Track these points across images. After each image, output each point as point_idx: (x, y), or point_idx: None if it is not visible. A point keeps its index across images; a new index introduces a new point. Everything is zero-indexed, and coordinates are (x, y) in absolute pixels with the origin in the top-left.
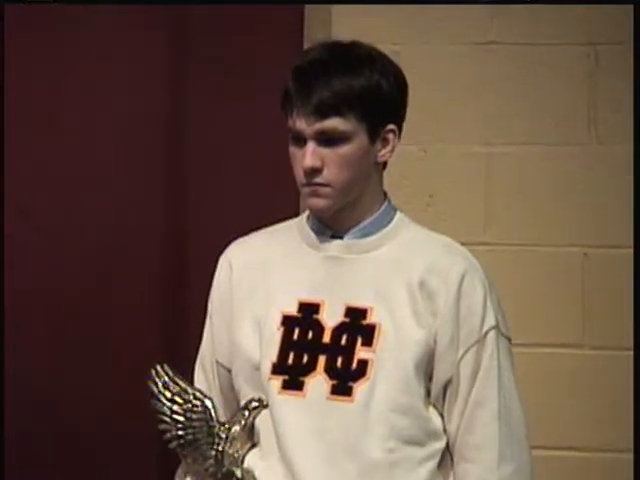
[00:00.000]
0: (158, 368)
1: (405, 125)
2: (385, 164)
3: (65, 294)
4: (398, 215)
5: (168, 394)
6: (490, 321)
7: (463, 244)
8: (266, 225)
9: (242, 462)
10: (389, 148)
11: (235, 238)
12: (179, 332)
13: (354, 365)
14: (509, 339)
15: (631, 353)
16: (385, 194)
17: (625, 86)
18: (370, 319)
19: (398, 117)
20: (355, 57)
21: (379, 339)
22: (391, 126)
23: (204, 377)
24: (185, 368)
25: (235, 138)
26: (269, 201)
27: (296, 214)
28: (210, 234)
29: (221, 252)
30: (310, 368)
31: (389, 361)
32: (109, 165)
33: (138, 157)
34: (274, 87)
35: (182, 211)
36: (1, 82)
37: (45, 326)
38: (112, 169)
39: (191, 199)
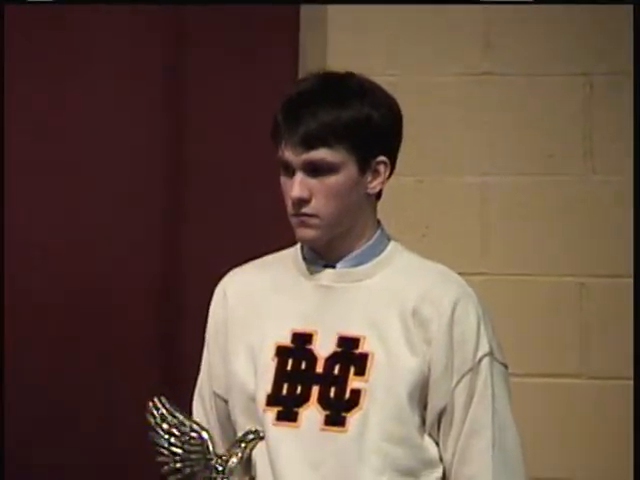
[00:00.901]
0: (155, 400)
1: (401, 156)
2: (380, 194)
3: (64, 319)
4: (392, 244)
5: (165, 426)
6: (484, 348)
7: (460, 274)
8: (267, 252)
9: None
10: (380, 179)
11: (232, 267)
12: (176, 361)
13: (347, 395)
14: (505, 366)
15: (631, 382)
16: (379, 223)
17: (621, 116)
18: (362, 348)
19: (390, 149)
20: (346, 88)
21: (372, 368)
22: (382, 157)
23: (202, 408)
24: (183, 400)
25: (235, 153)
26: (269, 224)
27: (294, 243)
28: (208, 262)
29: (218, 281)
30: (304, 399)
31: (382, 390)
32: (109, 174)
33: (138, 173)
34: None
35: (179, 236)
36: (1, 82)
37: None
38: (112, 178)
39: (190, 225)
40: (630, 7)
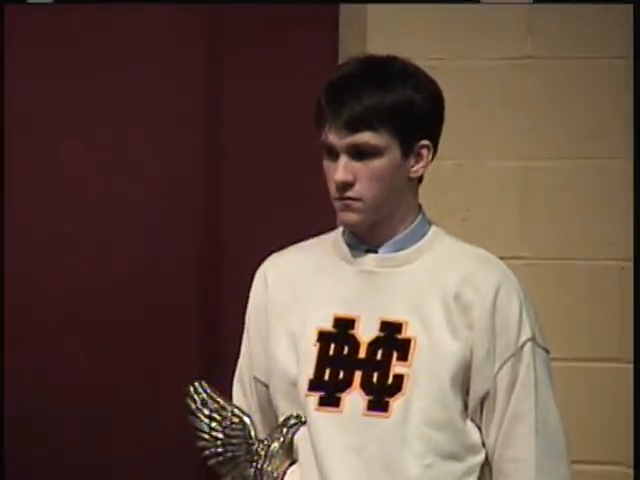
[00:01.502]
0: (196, 385)
1: (441, 140)
2: (421, 179)
3: (103, 311)
4: (433, 228)
5: (206, 411)
6: (526, 333)
7: (499, 258)
8: (306, 237)
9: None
10: (423, 163)
11: (272, 252)
12: (217, 347)
13: (390, 380)
14: (547, 351)
15: None
16: (420, 208)
17: None
18: (405, 333)
19: (433, 132)
20: (388, 72)
21: (414, 353)
22: (425, 141)
23: (242, 393)
24: (222, 384)
25: (274, 145)
26: (309, 211)
27: (334, 226)
28: (247, 248)
29: (258, 266)
30: (346, 384)
31: (425, 375)
32: (139, 171)
33: (173, 170)
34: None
35: (219, 222)
36: (1, 83)
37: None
38: (144, 175)
39: (229, 212)
40: (630, 7)
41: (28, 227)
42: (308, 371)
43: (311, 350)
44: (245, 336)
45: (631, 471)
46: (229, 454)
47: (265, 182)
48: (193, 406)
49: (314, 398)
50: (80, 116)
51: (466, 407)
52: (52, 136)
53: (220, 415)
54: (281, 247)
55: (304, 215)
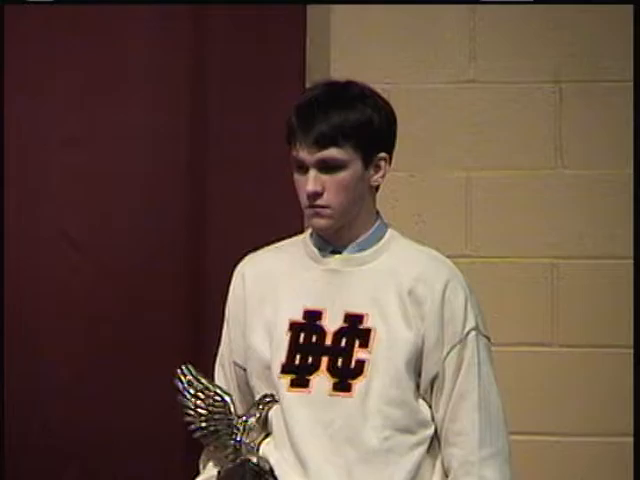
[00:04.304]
0: (183, 367)
1: (395, 153)
2: (378, 187)
3: (97, 307)
4: (389, 231)
5: (192, 390)
6: (470, 323)
7: (447, 256)
8: (277, 240)
9: (258, 450)
10: (381, 173)
11: (248, 252)
12: (201, 335)
13: (352, 365)
14: (488, 338)
15: (597, 350)
16: (378, 213)
17: (588, 116)
18: (366, 324)
19: (388, 146)
20: (350, 94)
21: (374, 341)
22: (382, 154)
23: (223, 375)
24: (205, 367)
25: (251, 150)
26: (278, 217)
27: (301, 230)
28: (227, 247)
29: (236, 264)
30: (314, 368)
31: (383, 360)
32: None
33: (160, 173)
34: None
35: (203, 225)
36: (1, 82)
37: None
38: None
39: (211, 215)
40: (630, 7)
41: (25, 222)
42: (281, 356)
43: (283, 338)
44: (225, 326)
45: (561, 439)
46: (212, 428)
47: (243, 191)
48: (180, 386)
49: (286, 380)
50: (80, 116)
51: (418, 387)
52: (51, 136)
53: (204, 394)
54: (256, 248)
55: (275, 219)
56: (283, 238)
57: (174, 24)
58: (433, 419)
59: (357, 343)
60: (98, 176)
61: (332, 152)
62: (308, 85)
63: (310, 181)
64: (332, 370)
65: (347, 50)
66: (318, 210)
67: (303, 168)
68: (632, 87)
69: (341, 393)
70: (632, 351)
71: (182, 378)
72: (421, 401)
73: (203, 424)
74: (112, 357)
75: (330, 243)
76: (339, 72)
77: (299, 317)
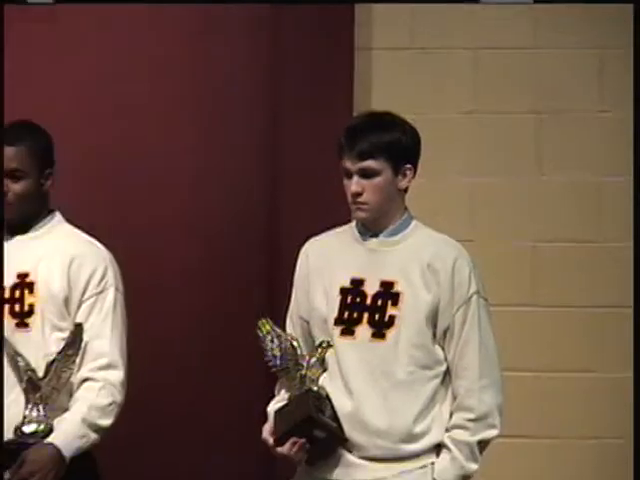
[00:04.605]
0: (262, 321)
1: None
2: (406, 189)
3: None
4: (414, 222)
5: (269, 338)
6: (473, 288)
7: (457, 240)
8: (333, 226)
9: (317, 381)
10: (407, 180)
11: (311, 236)
12: (275, 297)
13: (386, 319)
14: (486, 300)
15: (570, 309)
16: (406, 208)
17: (565, 133)
18: (396, 289)
19: (413, 159)
20: (384, 121)
21: (402, 302)
22: (408, 165)
23: (292, 326)
24: (280, 321)
25: (315, 160)
26: (335, 210)
27: (349, 220)
28: (297, 234)
29: (301, 246)
30: (358, 321)
31: (409, 316)
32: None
33: (233, 163)
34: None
35: (279, 210)
36: (1, 82)
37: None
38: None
39: (287, 203)
40: (630, 7)
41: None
42: (334, 313)
43: (336, 299)
44: (293, 291)
45: (542, 374)
46: (284, 365)
47: (312, 189)
48: (261, 334)
49: (337, 330)
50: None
51: (434, 335)
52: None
53: (278, 340)
54: (318, 233)
55: (332, 212)
56: (338, 225)
57: (255, 44)
58: (445, 359)
59: (389, 303)
60: (185, 169)
61: (369, 163)
62: (355, 114)
63: (353, 184)
64: (371, 323)
65: (385, 88)
66: (359, 206)
67: (349, 175)
68: (632, 84)
69: (378, 339)
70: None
71: (262, 329)
72: (437, 346)
73: (278, 362)
74: (203, 316)
75: (369, 230)
76: (378, 105)
77: (347, 284)
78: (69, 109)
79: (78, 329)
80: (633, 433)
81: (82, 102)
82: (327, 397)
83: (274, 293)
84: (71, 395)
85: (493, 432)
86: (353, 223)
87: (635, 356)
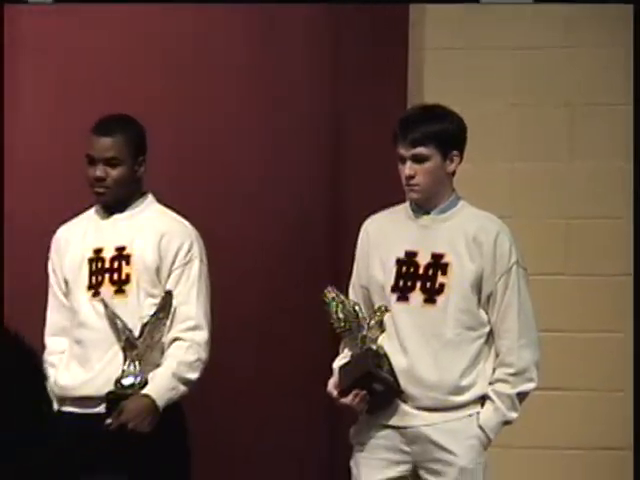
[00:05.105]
0: (329, 288)
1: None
2: (454, 173)
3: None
4: (461, 202)
5: (334, 303)
6: (513, 259)
7: (499, 217)
8: (391, 205)
9: (376, 341)
10: (454, 164)
11: (371, 214)
12: (340, 266)
13: (437, 286)
14: (525, 269)
15: (598, 278)
16: (454, 189)
17: (596, 131)
18: (445, 259)
19: (460, 146)
20: (433, 113)
21: (451, 271)
22: (455, 152)
23: (354, 293)
24: (343, 289)
25: (375, 147)
26: (393, 190)
27: (404, 200)
28: (357, 216)
29: (362, 222)
30: (412, 288)
31: (456, 284)
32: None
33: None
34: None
35: (345, 191)
36: (1, 82)
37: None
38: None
39: (350, 192)
40: (630, 7)
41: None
42: (391, 281)
43: (392, 269)
44: (355, 263)
45: (577, 335)
46: (347, 327)
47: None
48: (327, 300)
49: (394, 296)
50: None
51: (479, 301)
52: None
53: (342, 305)
54: (378, 211)
55: (391, 193)
56: (396, 204)
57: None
58: (488, 322)
59: (439, 272)
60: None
61: (420, 150)
62: (408, 107)
63: (407, 169)
64: (423, 290)
65: (435, 84)
66: (412, 187)
67: (403, 160)
68: (632, 86)
69: (429, 305)
70: None
71: (328, 295)
72: (481, 310)
73: (342, 324)
74: (279, 283)
75: (421, 208)
76: (430, 99)
77: (402, 255)
78: (161, 106)
79: (168, 296)
80: None
81: (175, 99)
82: (385, 355)
83: (338, 263)
84: (162, 353)
85: (531, 385)
86: (407, 203)
87: None
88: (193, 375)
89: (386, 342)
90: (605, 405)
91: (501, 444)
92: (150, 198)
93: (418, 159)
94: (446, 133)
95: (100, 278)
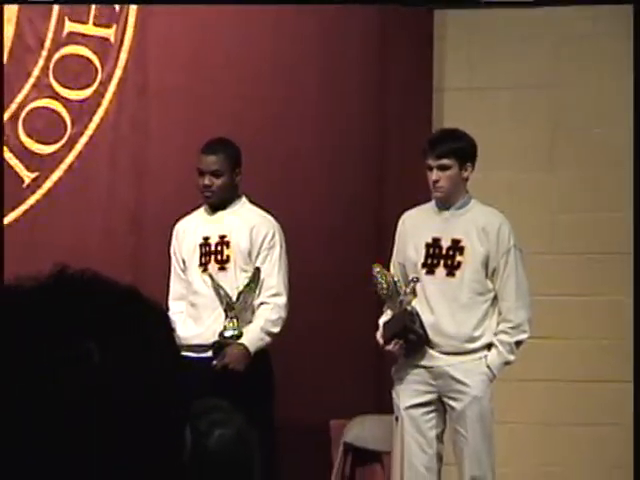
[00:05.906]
0: (374, 265)
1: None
2: (467, 179)
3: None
4: (473, 200)
5: (379, 276)
6: (512, 243)
7: (500, 212)
8: (424, 202)
9: (410, 304)
10: (468, 172)
11: (407, 209)
12: (383, 244)
13: (455, 263)
14: (521, 250)
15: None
16: (467, 191)
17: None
18: (462, 244)
19: (472, 160)
20: (453, 135)
21: (466, 252)
22: (468, 163)
23: (394, 268)
24: (385, 264)
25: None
26: (424, 192)
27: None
28: (396, 210)
29: (400, 215)
30: (437, 264)
31: (470, 261)
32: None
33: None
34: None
35: (386, 188)
36: (1, 83)
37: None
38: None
39: (389, 190)
40: (630, 7)
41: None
42: (421, 259)
43: (421, 251)
44: (395, 246)
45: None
46: (389, 293)
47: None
48: (373, 274)
49: (423, 271)
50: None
51: (487, 274)
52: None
53: (384, 277)
54: (412, 207)
55: (422, 194)
56: (425, 202)
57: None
58: (494, 289)
59: (457, 253)
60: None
61: (444, 161)
62: (433, 131)
63: (434, 175)
64: (445, 266)
65: (453, 112)
66: (437, 189)
67: (430, 169)
68: (632, 88)
69: (450, 277)
70: None
71: (375, 269)
72: (488, 280)
73: (384, 292)
74: (325, 264)
75: (443, 205)
76: (449, 124)
77: (430, 240)
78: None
79: (257, 271)
80: None
81: (262, 118)
82: (417, 314)
83: (381, 243)
84: (253, 313)
85: (525, 335)
86: (432, 201)
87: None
88: (275, 329)
89: (418, 305)
90: (598, 353)
91: (503, 379)
92: (244, 199)
93: (442, 168)
94: (463, 149)
95: (208, 258)
